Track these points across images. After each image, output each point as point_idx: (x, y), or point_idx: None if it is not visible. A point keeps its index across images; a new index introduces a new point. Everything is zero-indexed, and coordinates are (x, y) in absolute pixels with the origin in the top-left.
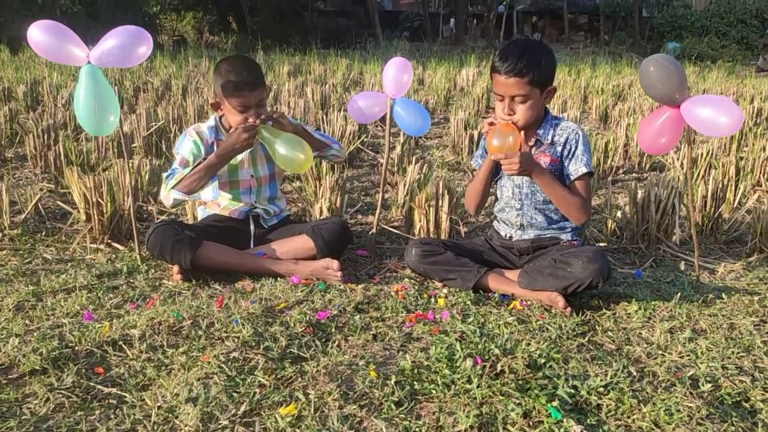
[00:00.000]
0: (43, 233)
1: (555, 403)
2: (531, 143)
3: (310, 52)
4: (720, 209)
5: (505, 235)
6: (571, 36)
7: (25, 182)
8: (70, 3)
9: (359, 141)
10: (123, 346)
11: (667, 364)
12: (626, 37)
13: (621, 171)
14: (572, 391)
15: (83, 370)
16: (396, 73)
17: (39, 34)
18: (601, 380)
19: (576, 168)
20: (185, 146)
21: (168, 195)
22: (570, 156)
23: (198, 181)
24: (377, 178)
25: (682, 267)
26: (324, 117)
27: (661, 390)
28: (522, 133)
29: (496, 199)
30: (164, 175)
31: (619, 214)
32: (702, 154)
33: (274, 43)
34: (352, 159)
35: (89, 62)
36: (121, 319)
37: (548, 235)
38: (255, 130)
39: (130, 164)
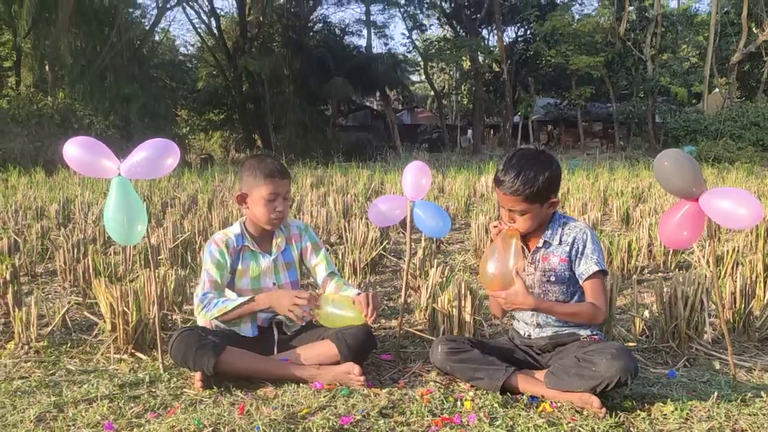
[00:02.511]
0: (69, 345)
1: None
2: (540, 244)
3: (332, 165)
4: (750, 306)
5: (524, 333)
6: (587, 142)
7: (54, 296)
8: (105, 127)
9: (381, 247)
10: None
11: None
12: (642, 142)
13: (646, 271)
14: None
15: None
16: (415, 176)
17: (74, 149)
18: None
19: (587, 267)
20: (212, 264)
21: (208, 321)
22: (580, 255)
23: (238, 317)
24: (399, 283)
25: (717, 366)
26: (346, 225)
27: None
28: (528, 233)
29: None
30: (197, 298)
31: (646, 313)
32: (728, 251)
33: (297, 157)
34: (374, 265)
35: (120, 174)
36: (142, 428)
37: (566, 332)
38: (308, 312)
39: (156, 274)
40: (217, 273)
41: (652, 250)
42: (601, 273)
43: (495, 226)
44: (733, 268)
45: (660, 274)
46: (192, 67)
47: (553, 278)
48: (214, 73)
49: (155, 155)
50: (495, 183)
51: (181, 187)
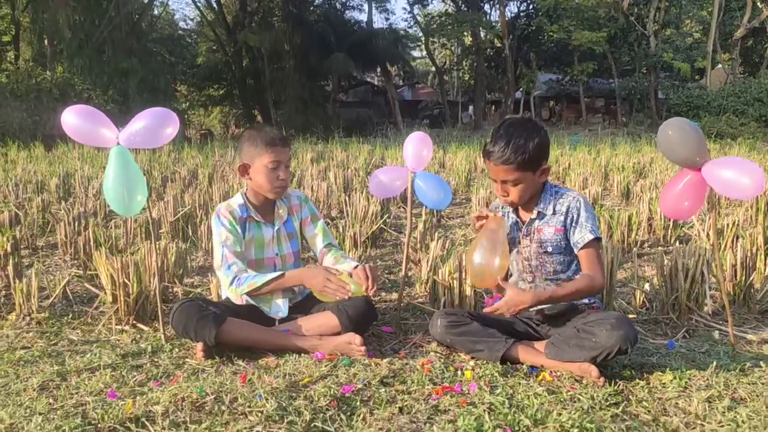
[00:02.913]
0: (70, 316)
1: None
2: (533, 215)
3: (332, 141)
4: (751, 278)
5: None
6: (589, 118)
7: (55, 269)
8: (103, 101)
9: (381, 221)
10: (146, 422)
11: None
12: (644, 118)
13: (646, 245)
14: None
15: None
16: (416, 147)
17: (72, 117)
18: None
19: (582, 236)
20: (225, 234)
21: (239, 296)
22: (574, 224)
23: (268, 293)
24: (400, 257)
25: (717, 336)
26: (347, 199)
27: None
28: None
29: (510, 273)
30: (222, 273)
31: (647, 286)
32: (728, 225)
33: (297, 133)
34: (375, 239)
35: (119, 143)
36: (144, 396)
37: (564, 303)
38: (340, 293)
39: (157, 246)
40: (235, 241)
41: (652, 224)
42: (596, 241)
43: (476, 218)
44: (733, 241)
45: (660, 247)
46: (191, 42)
47: (549, 248)
48: (214, 48)
49: (154, 124)
50: (485, 156)
51: (181, 161)
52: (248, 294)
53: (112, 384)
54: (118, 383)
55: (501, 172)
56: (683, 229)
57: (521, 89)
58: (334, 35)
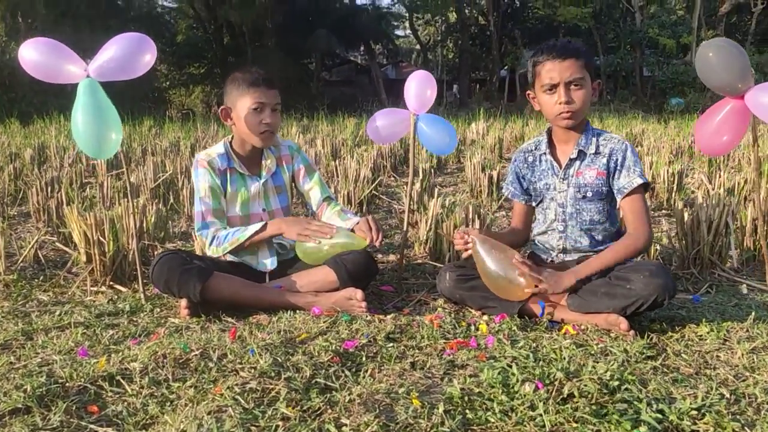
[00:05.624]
0: (41, 278)
1: (643, 429)
2: (573, 155)
3: (317, 116)
4: None
5: (547, 259)
6: None
7: (26, 235)
8: None
9: (374, 185)
10: (121, 381)
11: (762, 385)
12: (629, 95)
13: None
14: (659, 415)
15: (74, 409)
16: (419, 87)
17: (31, 52)
18: (692, 403)
19: (630, 180)
20: (205, 187)
21: (222, 255)
22: (619, 167)
23: (249, 245)
24: (394, 222)
25: (745, 290)
26: (337, 165)
27: (765, 412)
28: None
29: (535, 222)
30: (199, 233)
31: (665, 239)
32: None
33: (282, 111)
34: (367, 204)
35: (88, 76)
36: (120, 354)
37: (593, 256)
38: (322, 232)
39: (135, 204)
40: (213, 198)
41: (655, 188)
42: (644, 188)
43: (461, 237)
44: None
45: (664, 211)
46: (170, 19)
47: (589, 194)
48: (194, 25)
49: (129, 51)
50: (543, 61)
51: (163, 135)
52: (231, 252)
53: (83, 342)
54: (91, 341)
55: (567, 69)
56: (687, 191)
57: (506, 67)
58: (316, 12)
